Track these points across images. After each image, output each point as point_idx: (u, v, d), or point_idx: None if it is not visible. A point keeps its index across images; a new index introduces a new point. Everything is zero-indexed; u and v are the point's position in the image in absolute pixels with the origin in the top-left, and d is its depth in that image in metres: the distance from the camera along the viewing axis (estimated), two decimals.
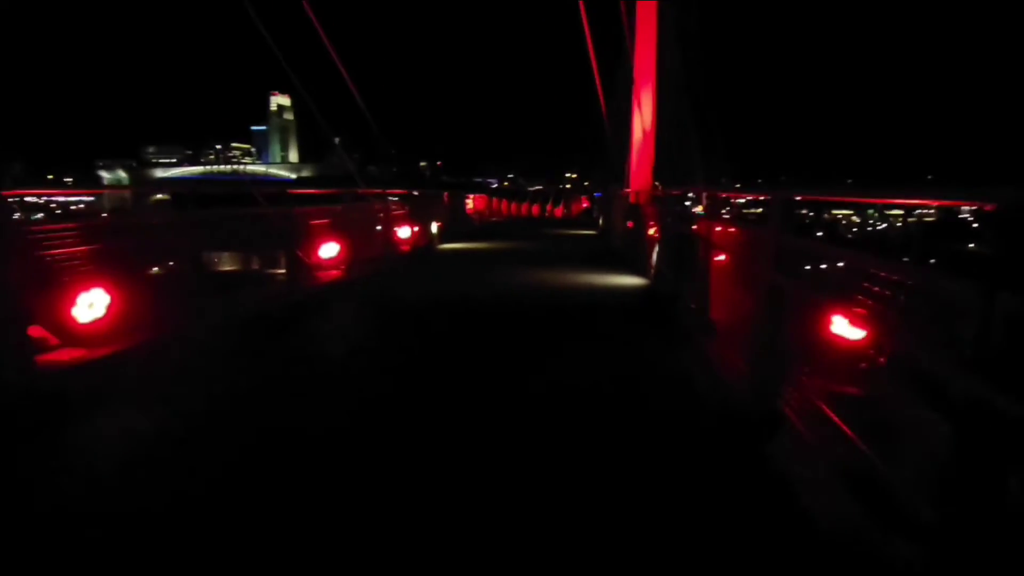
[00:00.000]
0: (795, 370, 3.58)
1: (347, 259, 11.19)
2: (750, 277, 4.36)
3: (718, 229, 5.73)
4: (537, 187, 52.58)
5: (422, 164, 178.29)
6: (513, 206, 40.43)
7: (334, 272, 10.55)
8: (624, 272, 11.61)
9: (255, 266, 9.79)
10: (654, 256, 10.24)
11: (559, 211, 38.23)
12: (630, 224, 15.43)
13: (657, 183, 28.53)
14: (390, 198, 16.05)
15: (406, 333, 6.93)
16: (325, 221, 11.09)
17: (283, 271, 8.87)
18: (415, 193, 17.38)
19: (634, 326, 7.19)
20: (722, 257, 5.60)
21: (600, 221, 23.69)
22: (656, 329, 6.83)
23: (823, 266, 3.57)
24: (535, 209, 39.44)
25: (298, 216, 10.70)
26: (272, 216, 9.08)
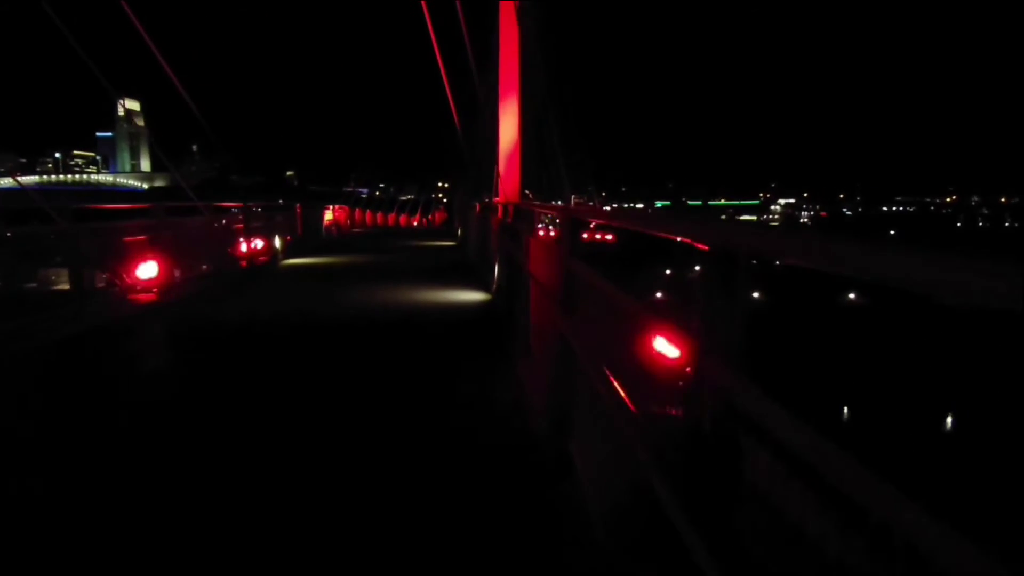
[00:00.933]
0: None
1: (167, 279, 10.20)
2: (547, 301, 4.16)
3: (533, 241, 5.54)
4: (408, 196, 51.87)
5: (289, 173, 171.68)
6: (379, 216, 39.55)
7: (148, 296, 9.55)
8: (472, 287, 11.35)
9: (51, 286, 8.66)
10: (496, 268, 10.05)
11: (425, 222, 37.79)
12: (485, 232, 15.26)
13: (528, 192, 28.76)
14: (232, 211, 15.02)
15: (206, 362, 6.25)
16: (141, 237, 10.06)
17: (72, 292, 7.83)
18: (254, 208, 16.34)
19: (463, 346, 6.89)
20: (535, 272, 5.41)
21: (459, 232, 23.48)
22: (483, 350, 6.58)
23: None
24: (402, 219, 38.81)
25: (106, 232, 9.63)
26: (68, 233, 8.05)
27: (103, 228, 9.37)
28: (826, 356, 28.38)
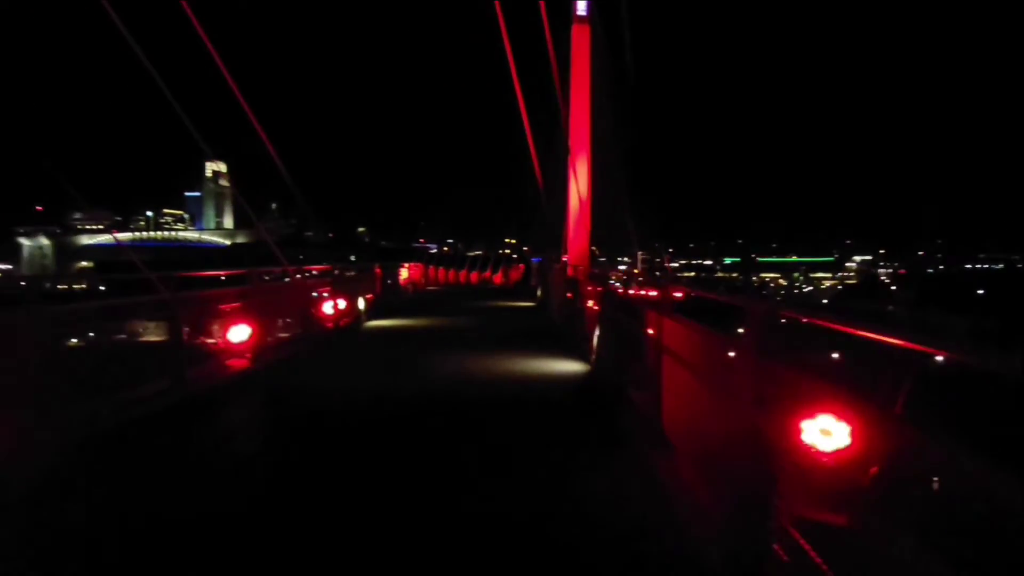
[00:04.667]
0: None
1: (259, 341, 10.08)
2: (722, 403, 3.60)
3: (670, 321, 5.01)
4: (477, 252, 52.03)
5: (360, 229, 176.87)
6: (451, 273, 39.60)
7: (240, 362, 9.41)
8: (565, 355, 10.78)
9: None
10: (595, 338, 9.51)
11: (497, 278, 37.59)
12: (569, 295, 14.80)
13: (594, 248, 28.20)
14: (313, 274, 15.08)
15: (301, 445, 5.87)
16: (236, 304, 10.03)
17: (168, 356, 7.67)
18: (336, 272, 16.40)
19: (566, 433, 6.16)
20: (678, 352, 4.87)
21: (538, 292, 23.07)
22: (593, 437, 5.94)
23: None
24: (473, 277, 38.75)
25: (204, 301, 9.62)
26: (170, 302, 7.99)
27: (202, 297, 9.36)
28: None
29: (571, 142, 27.72)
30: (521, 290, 29.69)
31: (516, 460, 5.33)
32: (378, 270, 21.23)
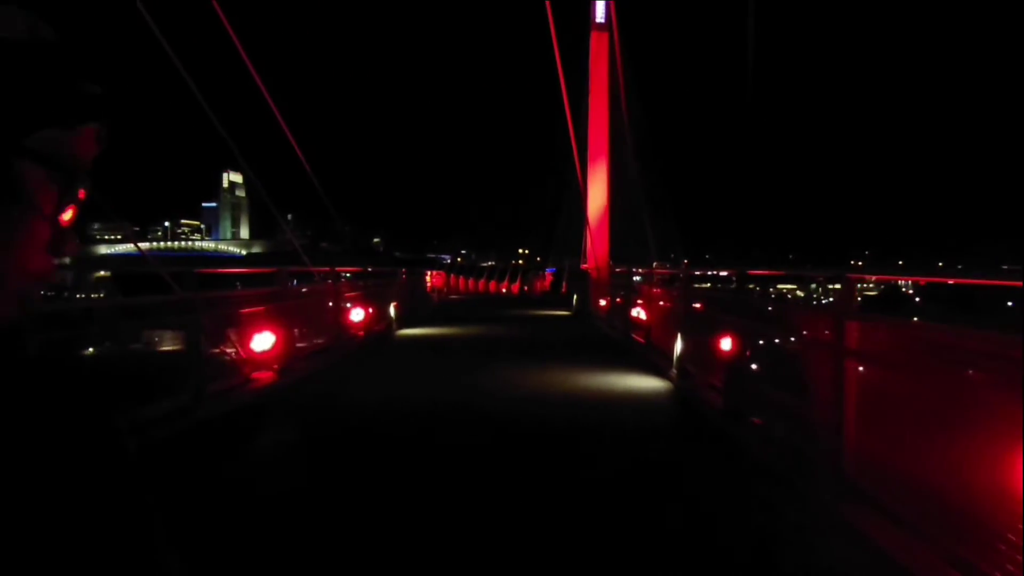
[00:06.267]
0: None
1: (285, 351, 8.82)
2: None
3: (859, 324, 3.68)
4: (489, 263, 50.96)
5: (375, 240, 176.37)
6: (471, 282, 38.55)
7: (266, 375, 8.14)
8: (626, 366, 9.42)
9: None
10: (677, 347, 8.16)
11: (515, 288, 36.24)
12: (619, 301, 13.46)
13: (611, 260, 27.11)
14: (343, 276, 13.85)
15: (333, 493, 4.53)
16: (259, 308, 8.78)
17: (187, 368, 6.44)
18: (369, 269, 15.20)
19: (675, 480, 4.63)
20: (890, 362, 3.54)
21: (574, 300, 21.71)
22: (707, 493, 4.54)
23: None
24: (492, 286, 37.57)
25: (226, 302, 8.40)
26: (187, 304, 6.75)
27: (223, 298, 8.14)
28: None
29: (591, 149, 26.81)
30: (551, 299, 28.35)
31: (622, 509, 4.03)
32: (404, 275, 20.01)
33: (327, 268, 12.87)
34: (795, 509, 3.82)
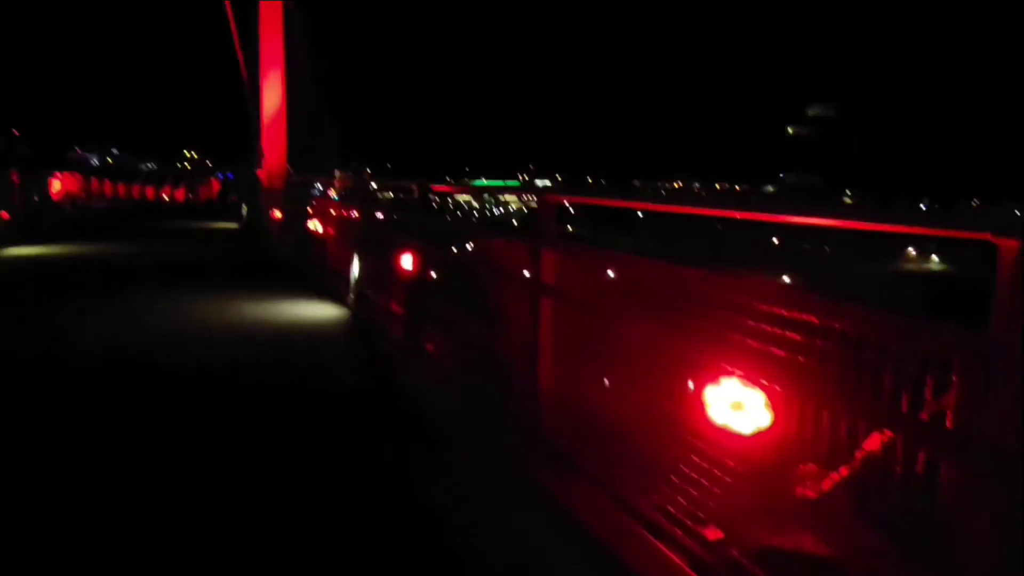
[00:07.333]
0: None
1: None
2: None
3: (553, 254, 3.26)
4: (149, 165, 44.69)
5: None
6: (120, 188, 32.69)
7: None
8: (300, 292, 8.43)
9: None
10: (355, 270, 7.34)
11: (179, 194, 31.85)
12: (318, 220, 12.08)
13: (290, 168, 25.34)
14: None
15: None
16: None
17: None
18: None
19: (328, 448, 3.94)
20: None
21: (244, 211, 19.53)
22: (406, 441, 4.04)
23: None
24: (149, 192, 32.46)
25: None
26: None
27: None
28: None
29: (262, 56, 24.37)
30: (219, 209, 25.35)
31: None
32: (15, 176, 15.83)
33: None
34: (474, 467, 3.39)
